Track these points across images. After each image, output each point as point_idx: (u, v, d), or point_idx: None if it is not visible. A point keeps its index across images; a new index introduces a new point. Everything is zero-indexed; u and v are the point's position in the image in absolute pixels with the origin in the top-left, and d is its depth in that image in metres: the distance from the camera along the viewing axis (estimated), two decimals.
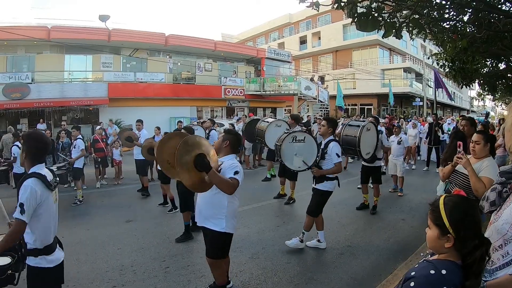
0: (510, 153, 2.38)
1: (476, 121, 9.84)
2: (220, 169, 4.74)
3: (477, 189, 4.21)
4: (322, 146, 7.10)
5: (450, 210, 2.07)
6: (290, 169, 7.47)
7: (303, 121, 23.38)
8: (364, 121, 9.35)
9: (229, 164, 4.77)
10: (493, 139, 4.87)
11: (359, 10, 6.04)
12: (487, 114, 33.27)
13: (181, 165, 4.25)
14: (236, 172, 4.64)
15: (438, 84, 24.44)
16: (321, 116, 29.88)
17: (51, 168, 3.91)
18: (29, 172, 3.45)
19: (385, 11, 6.68)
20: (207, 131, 14.28)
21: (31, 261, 3.45)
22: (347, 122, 9.55)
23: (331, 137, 7.17)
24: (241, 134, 15.88)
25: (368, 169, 10.00)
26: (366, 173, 10.09)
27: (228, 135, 5.16)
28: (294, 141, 7.28)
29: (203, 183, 4.46)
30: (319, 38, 53.51)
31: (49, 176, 3.56)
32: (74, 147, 11.73)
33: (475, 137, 4.71)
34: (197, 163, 4.28)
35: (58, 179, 3.82)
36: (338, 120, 12.77)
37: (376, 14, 5.93)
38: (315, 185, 7.09)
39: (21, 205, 3.24)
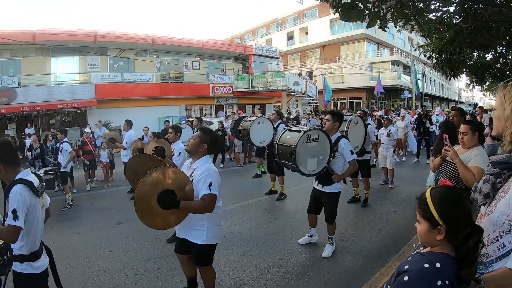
0: (508, 142, 2.32)
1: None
2: (192, 179, 4.43)
3: (467, 179, 4.25)
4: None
5: (438, 202, 2.06)
6: (304, 174, 6.41)
7: (292, 117, 23.50)
8: (351, 115, 9.31)
9: (200, 174, 4.39)
10: (481, 127, 4.88)
11: (343, 0, 6.03)
12: (475, 105, 33.56)
13: (143, 212, 4.11)
14: (210, 185, 4.28)
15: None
16: (311, 112, 29.94)
17: (37, 173, 3.85)
18: (16, 178, 3.39)
19: (370, 1, 6.66)
20: (195, 130, 14.20)
21: (17, 267, 3.42)
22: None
23: (339, 134, 6.70)
24: (229, 131, 16.00)
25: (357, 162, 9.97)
26: None
27: (205, 136, 4.68)
28: (308, 140, 6.33)
29: (171, 220, 4.28)
30: (307, 34, 53.55)
31: (36, 182, 3.50)
32: (61, 151, 11.58)
33: (462, 128, 4.77)
34: (161, 204, 4.08)
35: (44, 184, 3.76)
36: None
37: (360, 5, 5.91)
38: (322, 188, 6.61)
39: (14, 211, 3.18)
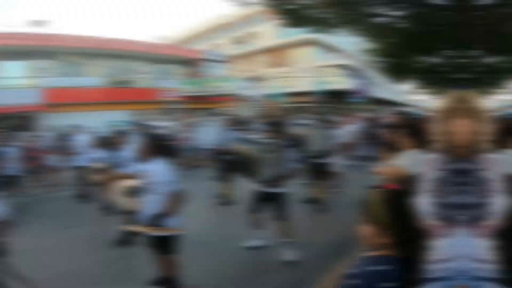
0: None
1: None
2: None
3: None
4: None
5: (381, 204, 2.09)
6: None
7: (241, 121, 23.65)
8: (310, 120, 9.47)
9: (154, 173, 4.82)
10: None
11: (288, 7, 6.13)
12: (424, 109, 34.47)
13: None
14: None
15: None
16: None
17: None
18: None
19: (314, 7, 6.77)
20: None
21: None
22: (293, 121, 9.66)
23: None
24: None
25: (318, 165, 10.03)
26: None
27: (146, 139, 5.19)
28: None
29: None
30: (255, 38, 53.69)
31: None
32: (7, 155, 11.29)
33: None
34: None
35: None
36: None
37: (305, 11, 6.03)
38: (275, 189, 6.67)
39: None
